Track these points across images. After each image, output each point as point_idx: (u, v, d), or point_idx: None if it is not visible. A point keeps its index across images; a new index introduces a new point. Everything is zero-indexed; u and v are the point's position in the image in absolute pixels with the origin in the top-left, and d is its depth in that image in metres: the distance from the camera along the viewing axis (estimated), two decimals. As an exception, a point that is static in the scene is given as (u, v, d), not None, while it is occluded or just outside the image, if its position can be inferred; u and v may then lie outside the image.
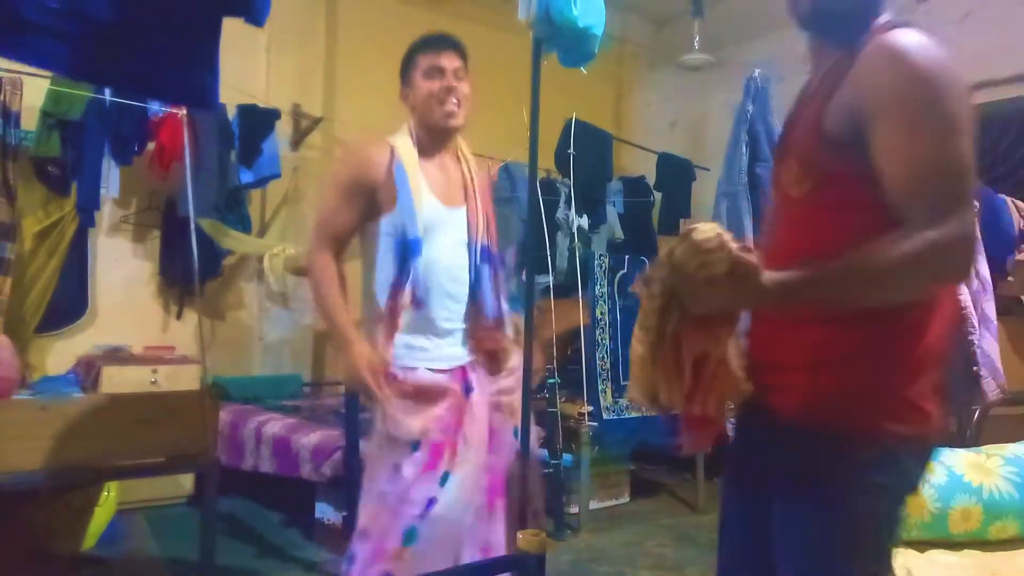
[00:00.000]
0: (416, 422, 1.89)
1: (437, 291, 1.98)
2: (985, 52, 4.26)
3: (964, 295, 2.97)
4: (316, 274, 2.01)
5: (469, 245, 2.04)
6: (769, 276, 1.03)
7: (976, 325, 2.94)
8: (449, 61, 2.01)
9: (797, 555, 1.18)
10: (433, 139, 2.06)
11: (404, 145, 2.02)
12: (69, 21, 1.60)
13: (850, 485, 1.12)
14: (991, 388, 2.91)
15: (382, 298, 1.97)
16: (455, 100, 2.01)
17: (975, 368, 2.91)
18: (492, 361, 2.06)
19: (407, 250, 1.95)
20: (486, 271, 2.05)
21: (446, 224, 2.01)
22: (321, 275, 1.99)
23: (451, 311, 2.01)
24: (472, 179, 2.10)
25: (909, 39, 1.05)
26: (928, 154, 0.99)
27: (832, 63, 1.17)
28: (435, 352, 1.99)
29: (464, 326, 2.03)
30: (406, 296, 1.95)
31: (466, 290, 2.03)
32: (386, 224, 1.97)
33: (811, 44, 1.26)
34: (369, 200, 1.99)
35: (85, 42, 1.66)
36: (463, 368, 2.01)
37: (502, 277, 2.12)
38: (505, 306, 2.11)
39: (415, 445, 1.88)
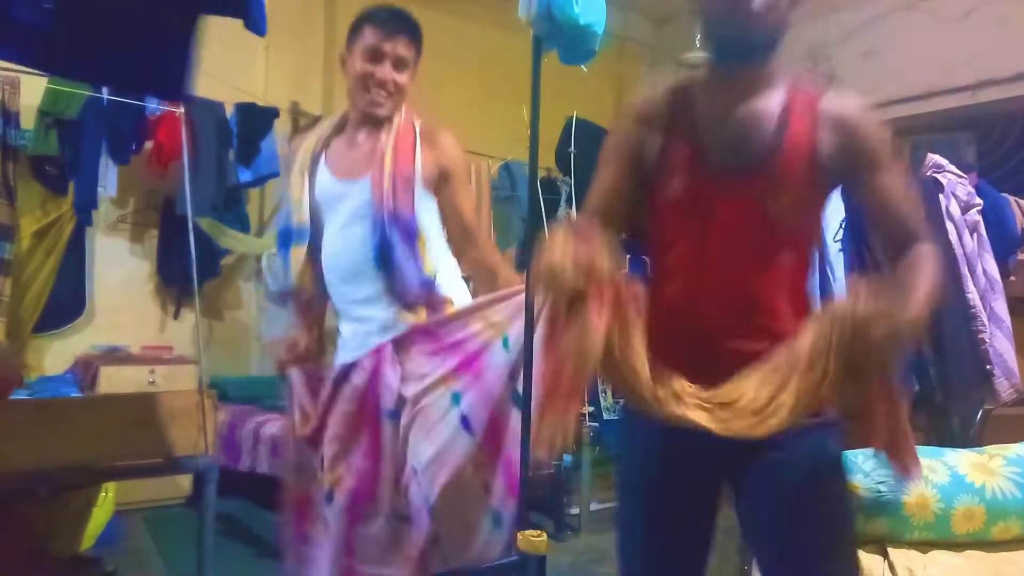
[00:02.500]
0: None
1: (332, 272, 1.89)
2: (987, 51, 4.25)
3: (972, 293, 2.95)
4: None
5: (372, 214, 1.82)
6: (907, 312, 1.10)
7: (986, 323, 2.92)
8: (393, 47, 1.84)
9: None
10: (357, 116, 1.93)
11: (316, 129, 1.99)
12: (55, 20, 1.59)
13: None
14: (1005, 388, 2.88)
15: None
16: (384, 92, 1.86)
17: (988, 367, 2.89)
18: (435, 319, 1.84)
19: (281, 243, 1.93)
20: (395, 236, 1.80)
21: (341, 199, 1.87)
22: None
23: (349, 291, 1.87)
24: (389, 146, 1.86)
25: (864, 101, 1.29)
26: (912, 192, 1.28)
27: (762, 87, 1.28)
28: (347, 340, 1.91)
29: (375, 305, 1.85)
30: (303, 286, 1.91)
31: (367, 266, 1.82)
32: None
33: (715, 65, 1.33)
34: None
35: (66, 39, 1.65)
36: (373, 352, 1.83)
37: (415, 242, 1.84)
38: (425, 273, 1.84)
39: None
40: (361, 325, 1.87)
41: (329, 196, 1.89)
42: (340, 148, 1.94)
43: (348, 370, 1.85)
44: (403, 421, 1.79)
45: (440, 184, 1.92)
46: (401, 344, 1.82)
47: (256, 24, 1.90)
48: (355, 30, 1.90)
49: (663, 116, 1.32)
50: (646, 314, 1.29)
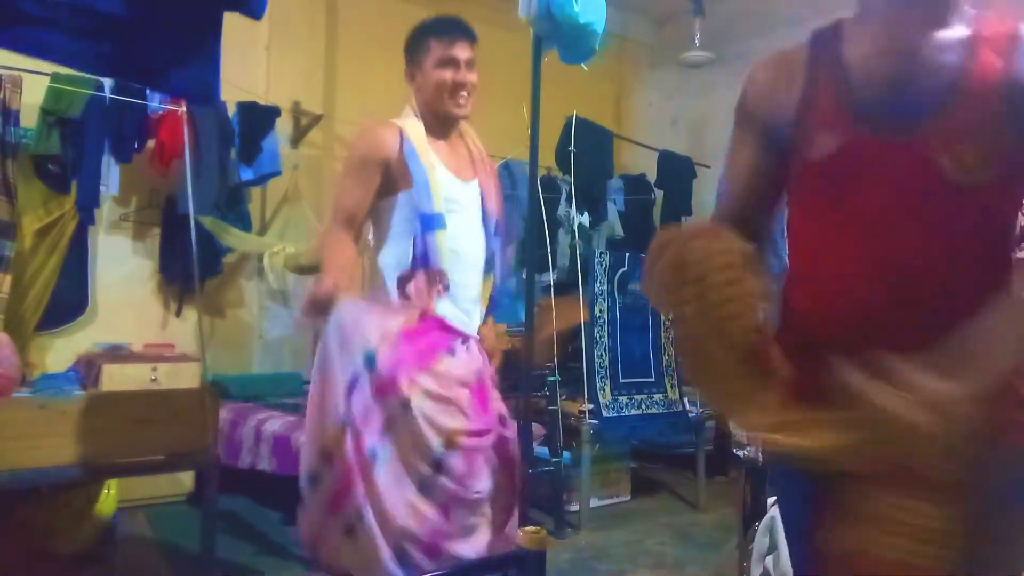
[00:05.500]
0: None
1: (460, 263, 2.04)
2: (986, 49, 4.24)
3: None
4: (326, 241, 2.04)
5: (484, 217, 2.11)
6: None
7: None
8: (462, 51, 2.03)
9: None
10: (438, 122, 2.09)
11: (412, 125, 2.05)
12: (70, 13, 1.59)
13: None
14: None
15: (394, 272, 2.01)
16: (465, 93, 2.04)
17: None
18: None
19: (427, 225, 1.98)
20: (498, 243, 2.14)
21: (461, 197, 2.06)
22: (332, 241, 2.01)
23: (470, 283, 2.07)
24: (479, 152, 2.17)
25: None
26: None
27: (938, 17, 1.04)
28: (452, 315, 2.03)
29: (477, 295, 2.10)
30: (429, 270, 1.99)
31: (483, 262, 2.10)
32: (402, 201, 2.01)
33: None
34: (382, 177, 2.02)
35: (86, 33, 1.65)
36: (471, 337, 2.09)
37: (508, 251, 2.21)
38: (503, 283, 2.25)
39: (370, 358, 1.84)
40: (461, 308, 2.06)
41: (452, 193, 2.04)
42: (443, 149, 2.09)
43: (464, 341, 2.05)
44: None
45: None
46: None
47: (253, 9, 1.90)
48: (419, 43, 2.06)
49: (801, 65, 1.09)
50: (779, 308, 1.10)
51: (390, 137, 2.02)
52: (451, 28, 2.04)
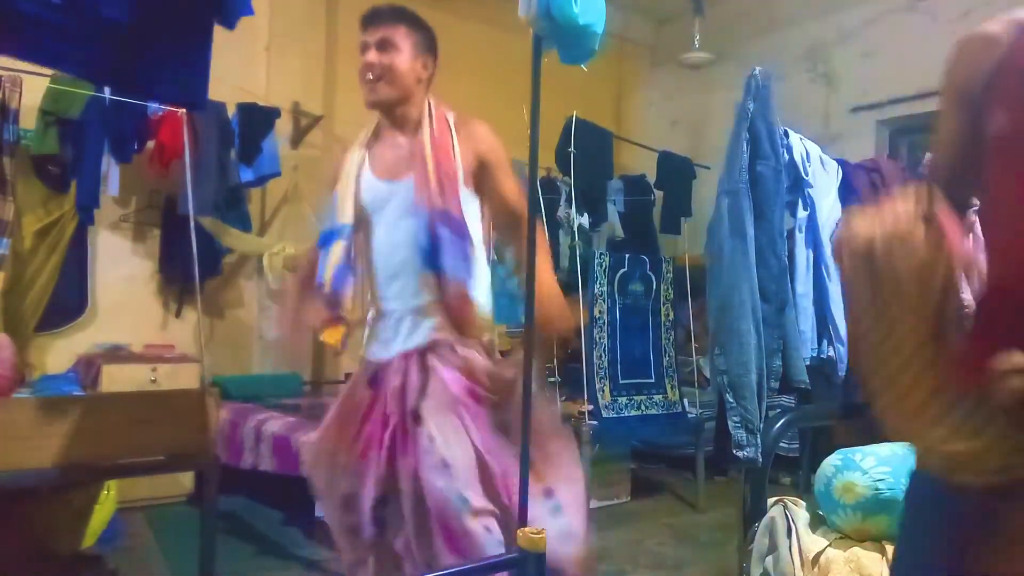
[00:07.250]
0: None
1: (380, 270, 1.91)
2: (986, 50, 4.24)
3: (966, 293, 2.95)
4: (300, 267, 2.06)
5: (419, 213, 1.84)
6: None
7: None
8: (372, 35, 1.91)
9: None
10: (382, 115, 1.99)
11: (361, 133, 2.01)
12: (68, 16, 1.59)
13: None
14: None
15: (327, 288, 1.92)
16: (370, 75, 1.90)
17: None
18: (462, 329, 1.87)
19: (330, 238, 1.90)
20: (445, 235, 1.82)
21: (388, 199, 1.91)
22: (301, 268, 2.05)
23: (392, 288, 1.90)
24: (427, 144, 1.89)
25: None
26: None
27: None
28: (379, 335, 1.92)
29: (419, 303, 1.87)
30: (348, 283, 1.88)
31: (414, 264, 1.85)
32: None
33: None
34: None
35: (78, 38, 1.65)
36: (409, 354, 1.86)
37: (466, 242, 1.86)
38: (465, 273, 1.85)
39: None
40: (392, 321, 1.90)
41: (375, 197, 1.92)
42: (381, 150, 1.97)
43: (383, 371, 1.89)
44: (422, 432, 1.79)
45: (481, 174, 1.93)
46: (429, 353, 1.85)
47: (226, 17, 1.89)
48: None
49: (999, 46, 1.04)
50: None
51: (347, 156, 2.00)
52: (370, 14, 1.95)
